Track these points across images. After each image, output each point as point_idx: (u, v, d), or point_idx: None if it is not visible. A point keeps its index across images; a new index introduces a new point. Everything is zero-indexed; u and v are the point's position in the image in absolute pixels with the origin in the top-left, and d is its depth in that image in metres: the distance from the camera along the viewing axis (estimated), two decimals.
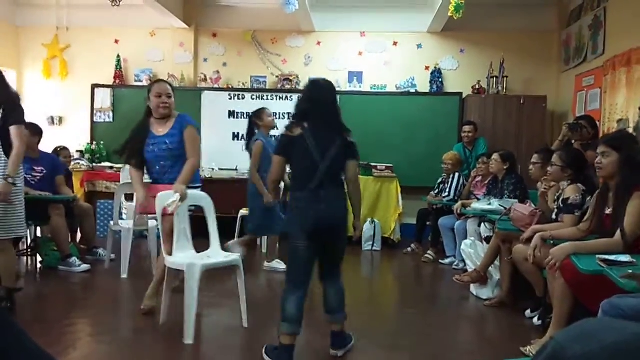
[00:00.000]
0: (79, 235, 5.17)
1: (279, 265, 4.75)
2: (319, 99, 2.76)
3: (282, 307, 2.68)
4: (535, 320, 3.41)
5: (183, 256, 3.14)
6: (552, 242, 2.94)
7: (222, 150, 6.70)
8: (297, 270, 2.70)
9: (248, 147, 4.81)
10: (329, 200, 2.61)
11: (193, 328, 2.88)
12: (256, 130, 4.83)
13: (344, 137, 2.74)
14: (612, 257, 2.32)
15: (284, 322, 2.66)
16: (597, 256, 2.36)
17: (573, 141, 4.34)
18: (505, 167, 4.68)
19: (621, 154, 2.70)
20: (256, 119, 4.86)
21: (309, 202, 2.60)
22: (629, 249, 2.53)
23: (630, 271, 2.07)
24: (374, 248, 5.87)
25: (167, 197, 3.11)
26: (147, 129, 3.40)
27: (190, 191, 3.27)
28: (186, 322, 2.88)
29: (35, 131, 4.56)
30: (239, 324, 3.20)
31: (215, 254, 3.34)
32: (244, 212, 5.69)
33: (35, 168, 4.55)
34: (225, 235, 5.71)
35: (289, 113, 5.87)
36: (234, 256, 3.28)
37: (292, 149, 2.67)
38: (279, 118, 6.56)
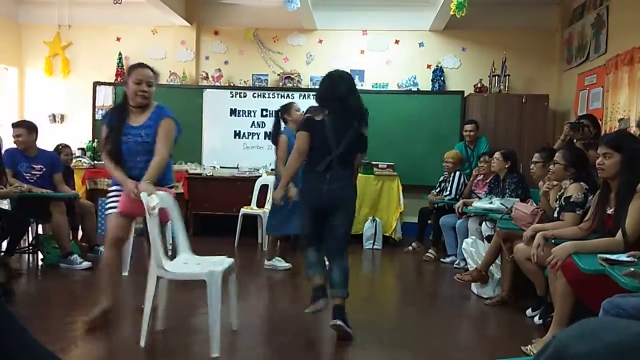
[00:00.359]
0: (80, 233, 5.18)
1: (279, 263, 4.75)
2: (333, 89, 3.05)
3: (305, 260, 3.21)
4: (536, 319, 3.40)
5: (183, 264, 2.93)
6: (553, 241, 2.94)
7: (223, 148, 6.71)
8: (308, 230, 3.15)
9: (274, 141, 4.72)
10: (333, 181, 3.00)
11: (219, 341, 2.69)
12: (284, 126, 4.73)
13: (359, 128, 3.07)
14: (614, 257, 2.32)
15: (309, 269, 3.16)
16: (599, 255, 2.36)
17: (575, 140, 4.33)
18: (506, 166, 4.68)
19: (623, 154, 2.69)
20: (285, 113, 4.76)
21: (315, 183, 3.02)
22: (630, 248, 2.52)
23: (632, 269, 2.07)
24: (375, 246, 5.87)
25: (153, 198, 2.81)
26: (124, 118, 3.07)
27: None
28: (212, 336, 2.67)
29: (32, 129, 4.56)
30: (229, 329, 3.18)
31: (191, 260, 3.00)
32: (245, 210, 5.70)
33: (35, 166, 4.55)
34: (227, 234, 5.75)
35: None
36: (225, 260, 2.94)
37: (314, 130, 3.01)
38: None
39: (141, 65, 3.15)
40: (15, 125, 4.57)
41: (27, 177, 4.49)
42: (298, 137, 3.06)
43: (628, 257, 2.28)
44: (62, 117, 7.10)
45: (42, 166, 4.58)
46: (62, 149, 5.24)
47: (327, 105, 3.04)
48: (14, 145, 4.53)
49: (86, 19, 7.00)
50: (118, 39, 7.04)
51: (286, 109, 4.78)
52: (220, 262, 2.87)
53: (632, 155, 2.67)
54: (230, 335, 3.01)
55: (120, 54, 6.93)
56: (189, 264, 2.94)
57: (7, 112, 6.80)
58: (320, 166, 2.98)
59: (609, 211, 2.78)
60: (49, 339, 2.54)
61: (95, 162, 6.46)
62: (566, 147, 4.01)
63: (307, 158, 3.08)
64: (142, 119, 3.08)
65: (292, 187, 3.67)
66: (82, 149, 6.63)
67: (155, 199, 2.80)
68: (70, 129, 6.98)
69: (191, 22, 6.86)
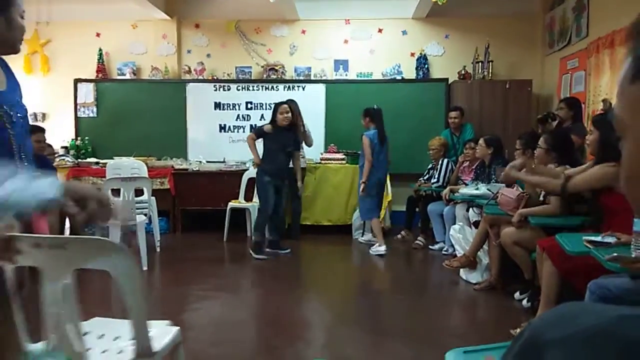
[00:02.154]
0: (67, 232, 5.12)
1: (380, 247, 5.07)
2: None
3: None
4: (524, 302, 3.45)
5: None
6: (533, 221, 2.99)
7: (209, 142, 6.66)
8: None
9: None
10: None
11: None
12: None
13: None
14: (598, 238, 2.35)
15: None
16: (584, 237, 2.39)
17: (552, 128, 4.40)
18: (489, 152, 4.70)
19: (601, 133, 2.77)
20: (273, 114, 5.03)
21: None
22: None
23: (616, 254, 2.10)
24: (364, 238, 5.89)
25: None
26: None
27: None
28: None
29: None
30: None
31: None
32: (233, 204, 5.68)
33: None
34: (216, 229, 5.73)
35: (275, 103, 5.87)
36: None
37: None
38: (265, 109, 6.54)
39: None
40: (34, 131, 4.53)
41: None
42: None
43: (603, 238, 2.32)
44: (44, 116, 7.00)
45: (37, 173, 4.53)
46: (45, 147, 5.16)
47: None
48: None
49: (65, 15, 6.87)
50: (98, 35, 6.93)
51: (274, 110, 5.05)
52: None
53: (607, 134, 2.74)
54: None
55: (100, 50, 6.82)
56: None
57: None
58: None
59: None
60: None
61: (79, 160, 6.38)
62: (549, 131, 4.05)
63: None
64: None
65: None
66: (65, 147, 6.55)
67: None
68: (52, 127, 6.85)
69: (171, 16, 6.77)
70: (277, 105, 5.04)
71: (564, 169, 3.20)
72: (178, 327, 1.86)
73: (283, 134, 4.93)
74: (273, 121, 4.96)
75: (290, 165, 5.20)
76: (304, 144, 5.75)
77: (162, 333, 1.81)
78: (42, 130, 4.64)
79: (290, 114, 4.94)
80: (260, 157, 4.97)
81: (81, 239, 1.48)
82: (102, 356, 1.70)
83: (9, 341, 1.52)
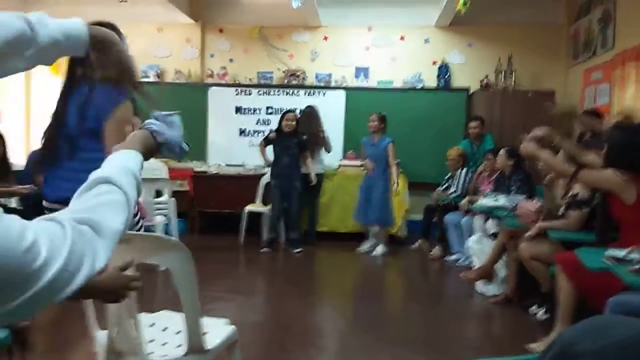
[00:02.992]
0: None
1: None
2: None
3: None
4: (540, 314, 3.40)
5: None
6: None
7: (228, 146, 6.71)
8: None
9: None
10: None
11: None
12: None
13: None
14: (622, 254, 2.30)
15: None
16: (605, 253, 2.35)
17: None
18: (510, 163, 4.65)
19: (608, 144, 2.76)
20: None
21: None
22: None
23: (638, 267, 2.06)
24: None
25: None
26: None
27: None
28: None
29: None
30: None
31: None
32: (250, 208, 5.72)
33: None
34: (233, 232, 5.76)
35: (295, 109, 5.90)
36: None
37: None
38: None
39: None
40: None
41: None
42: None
43: (627, 254, 2.27)
44: None
45: None
46: None
47: None
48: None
49: (91, 17, 6.90)
50: None
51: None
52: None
53: (614, 144, 2.72)
54: None
55: None
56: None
57: (14, 114, 6.84)
58: None
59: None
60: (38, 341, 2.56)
61: None
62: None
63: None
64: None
65: None
66: None
67: None
68: None
69: (196, 20, 6.87)
70: (285, 113, 5.48)
71: (583, 214, 3.18)
72: (234, 326, 1.89)
73: (287, 139, 5.32)
74: (279, 128, 5.39)
75: (303, 171, 5.42)
76: (322, 150, 5.78)
77: (217, 331, 1.83)
78: None
79: (294, 122, 5.34)
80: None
81: (143, 235, 1.55)
82: (162, 348, 1.74)
83: None
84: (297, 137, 5.39)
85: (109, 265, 1.28)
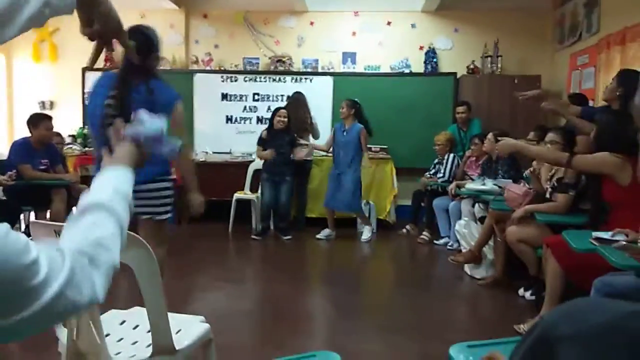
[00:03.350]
0: None
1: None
2: None
3: None
4: (527, 294, 3.45)
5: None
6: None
7: (215, 133, 6.65)
8: None
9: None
10: None
11: None
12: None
13: None
14: (608, 235, 2.33)
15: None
16: (593, 234, 2.38)
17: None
18: None
19: (598, 126, 2.78)
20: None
21: None
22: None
23: (624, 243, 2.09)
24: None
25: None
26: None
27: None
28: None
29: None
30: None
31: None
32: (239, 195, 5.69)
33: (42, 160, 4.56)
34: (221, 220, 5.74)
35: (282, 95, 5.86)
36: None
37: None
38: (272, 100, 6.53)
39: None
40: (43, 119, 4.60)
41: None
42: None
43: (613, 235, 2.30)
44: (52, 104, 7.02)
45: (47, 160, 4.60)
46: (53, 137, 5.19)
47: None
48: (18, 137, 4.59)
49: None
50: None
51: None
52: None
53: (603, 127, 2.75)
54: None
55: None
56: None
57: None
58: None
59: None
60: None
61: (86, 149, 6.40)
62: (560, 127, 4.03)
63: None
64: None
65: None
66: (73, 136, 6.57)
67: None
68: (60, 115, 6.88)
69: (180, 6, 6.75)
70: (276, 110, 5.44)
71: (569, 197, 3.22)
72: (208, 325, 1.80)
73: (278, 136, 5.30)
74: (270, 125, 5.39)
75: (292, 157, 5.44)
76: (310, 136, 5.77)
77: (190, 330, 1.73)
78: (50, 118, 4.67)
79: (286, 119, 5.32)
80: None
81: None
82: (131, 347, 1.67)
83: None
84: (289, 134, 5.39)
85: None
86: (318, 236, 5.47)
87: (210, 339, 1.78)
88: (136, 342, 1.70)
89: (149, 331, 1.70)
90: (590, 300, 0.50)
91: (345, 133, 5.43)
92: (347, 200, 5.34)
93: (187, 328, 1.73)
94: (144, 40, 2.38)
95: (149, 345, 1.63)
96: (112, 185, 0.93)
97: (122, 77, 2.44)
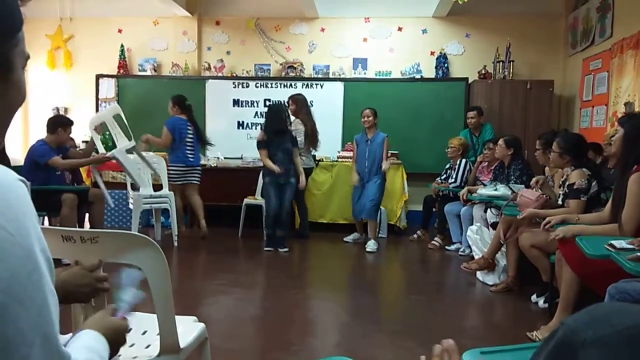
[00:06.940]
0: (86, 225, 5.20)
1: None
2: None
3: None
4: (540, 302, 3.41)
5: None
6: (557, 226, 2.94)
7: (227, 138, 6.69)
8: None
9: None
10: None
11: None
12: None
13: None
14: (622, 244, 2.30)
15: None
16: (610, 241, 2.34)
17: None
18: (509, 153, 4.64)
19: (625, 129, 2.72)
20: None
21: None
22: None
23: (638, 254, 2.06)
24: (379, 235, 5.86)
25: None
26: None
27: None
28: None
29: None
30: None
31: None
32: (248, 200, 5.71)
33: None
34: (232, 225, 5.76)
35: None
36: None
37: None
38: (284, 106, 6.54)
39: None
40: (68, 124, 4.79)
41: (57, 173, 4.62)
42: None
43: (629, 244, 2.27)
44: (66, 110, 7.11)
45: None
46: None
47: None
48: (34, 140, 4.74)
49: (88, 11, 6.98)
50: (120, 31, 7.02)
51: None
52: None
53: (631, 130, 2.69)
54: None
55: (122, 45, 6.91)
56: None
57: None
58: None
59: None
60: None
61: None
62: (562, 133, 4.00)
63: None
64: None
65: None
66: (86, 142, 6.64)
67: None
68: (74, 121, 6.97)
69: (192, 13, 6.83)
70: (271, 110, 5.39)
71: (581, 202, 3.16)
72: (203, 324, 1.83)
73: (277, 136, 5.11)
74: (266, 126, 5.23)
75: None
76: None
77: (188, 329, 1.77)
78: (72, 123, 4.82)
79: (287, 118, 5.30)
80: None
81: (112, 233, 1.49)
82: (129, 350, 1.67)
83: None
84: (287, 133, 5.25)
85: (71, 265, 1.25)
86: (346, 239, 5.50)
87: (206, 338, 1.81)
88: (133, 344, 1.71)
89: (144, 333, 1.75)
90: (612, 305, 0.50)
91: (369, 142, 5.36)
92: (367, 205, 5.28)
93: (184, 327, 1.76)
94: None
95: (147, 347, 1.66)
96: (96, 353, 0.91)
97: None
